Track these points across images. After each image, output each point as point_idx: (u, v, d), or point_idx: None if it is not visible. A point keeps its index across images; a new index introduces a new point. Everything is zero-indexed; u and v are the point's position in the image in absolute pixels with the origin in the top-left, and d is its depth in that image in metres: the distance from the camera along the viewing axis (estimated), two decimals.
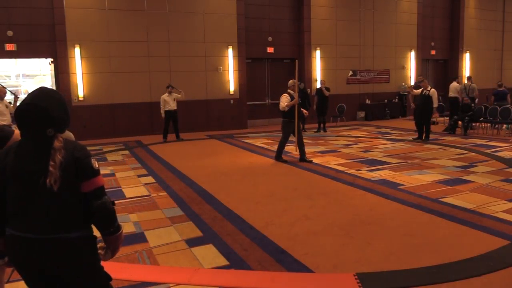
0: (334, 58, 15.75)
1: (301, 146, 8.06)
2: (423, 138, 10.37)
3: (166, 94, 11.11)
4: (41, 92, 1.97)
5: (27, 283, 2.02)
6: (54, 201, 1.87)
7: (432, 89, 10.32)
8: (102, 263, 2.09)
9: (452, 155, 8.35)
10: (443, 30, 18.80)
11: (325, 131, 12.87)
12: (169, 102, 11.07)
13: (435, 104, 10.20)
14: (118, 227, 2.02)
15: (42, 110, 1.88)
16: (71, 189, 1.90)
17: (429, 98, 10.12)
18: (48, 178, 1.83)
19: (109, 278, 2.13)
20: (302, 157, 8.00)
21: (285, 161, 8.02)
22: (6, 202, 1.93)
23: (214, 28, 13.41)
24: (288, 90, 7.99)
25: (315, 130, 13.00)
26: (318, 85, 13.79)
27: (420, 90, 10.51)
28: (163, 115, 11.15)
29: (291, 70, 15.54)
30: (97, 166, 1.97)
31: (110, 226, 1.98)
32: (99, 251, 2.05)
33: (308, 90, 13.98)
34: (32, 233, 1.87)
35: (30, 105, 1.90)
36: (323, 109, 12.93)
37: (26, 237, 1.88)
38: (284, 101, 7.82)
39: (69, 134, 2.02)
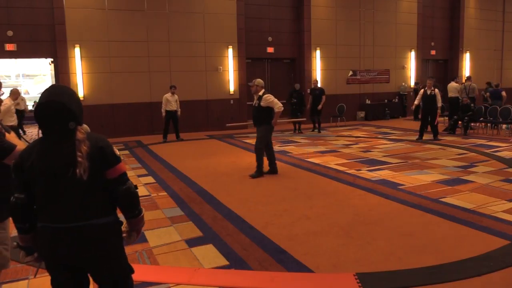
0: (334, 58, 15.75)
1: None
2: (433, 138, 10.35)
3: (169, 94, 11.13)
4: (56, 89, 2.05)
5: (53, 274, 2.08)
6: (84, 190, 1.96)
7: (436, 89, 10.32)
8: None
9: (452, 155, 8.35)
10: (443, 30, 18.80)
11: (319, 131, 12.70)
12: (171, 102, 11.10)
13: (439, 104, 10.17)
14: (141, 209, 2.16)
15: (62, 105, 1.96)
16: (97, 177, 1.99)
17: (435, 97, 10.14)
18: (78, 168, 1.92)
19: (132, 270, 2.22)
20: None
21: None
22: (34, 199, 2.01)
23: (214, 28, 13.41)
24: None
25: (311, 129, 12.97)
26: (319, 85, 13.75)
27: (422, 91, 10.47)
28: (164, 114, 11.14)
29: (291, 70, 15.58)
30: (118, 153, 2.09)
31: (135, 209, 2.12)
32: (123, 235, 2.15)
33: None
34: (64, 223, 1.96)
35: (49, 102, 1.97)
36: (316, 109, 12.65)
37: (57, 227, 1.97)
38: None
39: (85, 127, 2.13)
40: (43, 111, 1.98)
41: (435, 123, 10.34)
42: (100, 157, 1.99)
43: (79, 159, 1.92)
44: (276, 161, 7.06)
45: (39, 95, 2.08)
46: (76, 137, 1.97)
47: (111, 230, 2.06)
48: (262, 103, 6.71)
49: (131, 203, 2.10)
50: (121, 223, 2.14)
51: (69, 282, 2.07)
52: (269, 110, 6.74)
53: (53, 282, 2.09)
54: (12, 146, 2.48)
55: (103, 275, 2.11)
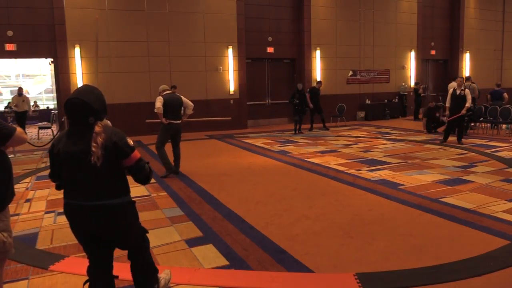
0: (334, 58, 15.75)
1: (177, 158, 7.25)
2: (458, 140, 9.86)
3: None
4: (84, 89, 2.46)
5: (81, 243, 2.55)
6: (98, 175, 2.34)
7: (467, 89, 9.84)
8: None
9: (452, 155, 8.35)
10: (443, 30, 18.80)
11: (310, 130, 13.01)
12: None
13: (468, 104, 9.63)
14: (151, 178, 2.62)
15: (86, 103, 2.34)
16: (111, 165, 2.38)
17: (465, 97, 9.60)
18: (92, 156, 2.30)
19: (145, 230, 2.74)
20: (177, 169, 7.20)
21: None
22: (61, 178, 2.44)
23: (214, 28, 13.41)
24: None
25: (308, 129, 13.05)
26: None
27: (451, 91, 9.82)
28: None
29: (291, 70, 15.57)
30: (132, 143, 2.45)
31: (149, 180, 2.59)
32: None
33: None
34: (84, 201, 2.37)
35: (76, 99, 2.36)
36: (317, 108, 13.01)
37: (80, 204, 2.38)
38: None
39: (106, 122, 2.45)
40: (70, 107, 2.37)
41: (451, 120, 9.76)
42: (115, 150, 2.36)
43: (93, 148, 2.30)
44: (276, 161, 7.01)
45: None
46: (94, 130, 2.34)
47: (124, 210, 2.47)
48: None
49: (146, 177, 2.55)
50: (134, 202, 2.55)
51: (96, 251, 2.53)
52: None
53: (85, 251, 2.58)
54: (12, 130, 2.42)
55: (126, 244, 2.60)
